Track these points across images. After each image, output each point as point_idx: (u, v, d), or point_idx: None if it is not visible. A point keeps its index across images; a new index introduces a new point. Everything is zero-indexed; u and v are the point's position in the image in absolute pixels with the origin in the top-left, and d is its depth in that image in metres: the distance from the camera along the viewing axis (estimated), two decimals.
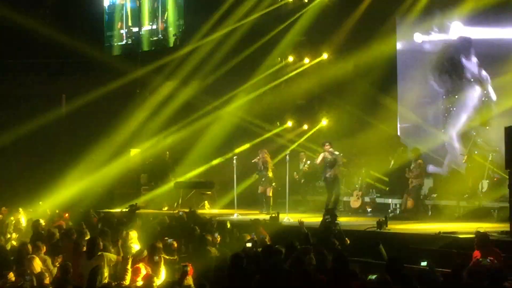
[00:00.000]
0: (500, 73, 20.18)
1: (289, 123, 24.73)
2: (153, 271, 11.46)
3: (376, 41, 22.16)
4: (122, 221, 16.84)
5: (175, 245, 12.79)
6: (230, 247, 13.53)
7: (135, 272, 10.99)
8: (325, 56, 24.06)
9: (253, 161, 22.11)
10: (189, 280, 11.03)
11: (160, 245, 12.59)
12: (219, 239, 14.37)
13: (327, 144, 20.21)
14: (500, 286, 9.14)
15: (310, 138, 23.95)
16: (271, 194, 21.54)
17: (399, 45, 23.13)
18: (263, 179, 21.67)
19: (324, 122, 23.74)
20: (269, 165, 21.69)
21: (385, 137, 21.93)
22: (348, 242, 14.32)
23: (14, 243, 16.24)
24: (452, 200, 19.02)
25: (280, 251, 12.04)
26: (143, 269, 11.13)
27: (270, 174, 21.63)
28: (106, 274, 11.38)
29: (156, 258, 11.89)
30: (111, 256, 12.31)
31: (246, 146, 24.03)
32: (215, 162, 24.57)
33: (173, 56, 26.29)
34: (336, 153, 19.91)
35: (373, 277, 9.80)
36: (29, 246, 13.54)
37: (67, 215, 19.14)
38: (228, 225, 16.21)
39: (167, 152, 22.81)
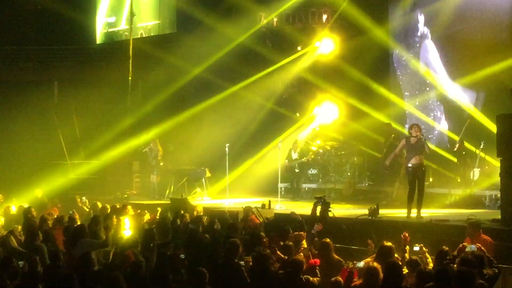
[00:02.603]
0: None
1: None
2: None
3: (368, 27, 22.14)
4: (114, 208, 16.80)
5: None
6: (223, 234, 13.55)
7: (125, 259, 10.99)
8: (317, 44, 24.04)
9: (143, 150, 22.92)
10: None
11: (153, 232, 12.62)
12: (218, 225, 14.44)
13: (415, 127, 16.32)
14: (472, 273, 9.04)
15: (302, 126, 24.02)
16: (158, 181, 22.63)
17: (391, 30, 23.09)
18: (154, 167, 22.53)
19: (316, 110, 23.77)
20: (160, 153, 22.60)
21: (377, 124, 21.91)
22: (345, 227, 14.38)
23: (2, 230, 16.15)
24: (444, 188, 19.08)
25: (272, 238, 12.15)
26: (132, 257, 11.12)
27: (161, 163, 22.58)
28: (95, 260, 11.36)
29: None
30: (101, 242, 12.28)
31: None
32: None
33: (168, 44, 26.25)
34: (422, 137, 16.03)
35: (361, 264, 9.82)
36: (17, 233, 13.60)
37: (59, 205, 19.15)
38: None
39: (157, 140, 22.83)
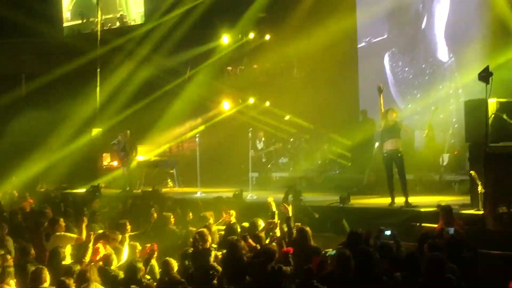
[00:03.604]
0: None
1: (251, 100, 24.73)
2: (115, 251, 11.43)
3: (336, 17, 22.17)
4: (84, 201, 16.74)
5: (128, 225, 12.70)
6: (194, 224, 13.55)
7: (95, 252, 10.95)
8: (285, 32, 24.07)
9: (112, 142, 22.67)
10: (153, 258, 11.07)
11: (124, 224, 12.58)
12: (191, 216, 14.43)
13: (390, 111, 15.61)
14: (459, 256, 9.24)
15: (272, 115, 24.06)
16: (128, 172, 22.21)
17: (359, 22, 23.16)
18: (126, 159, 22.14)
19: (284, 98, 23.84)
20: (134, 145, 22.27)
21: (347, 112, 21.99)
22: (317, 216, 14.41)
23: None
24: (412, 174, 19.18)
25: (245, 228, 12.18)
26: (102, 249, 11.08)
27: (134, 154, 22.23)
28: (67, 254, 11.30)
29: (118, 237, 11.87)
30: (72, 236, 12.24)
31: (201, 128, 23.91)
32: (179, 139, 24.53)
33: (133, 34, 26.14)
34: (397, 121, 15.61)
35: (332, 252, 9.85)
36: None
37: (31, 200, 19.01)
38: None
39: (128, 131, 22.63)
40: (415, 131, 19.79)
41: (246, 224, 12.76)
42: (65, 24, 29.31)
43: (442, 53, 21.34)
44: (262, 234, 11.67)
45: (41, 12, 26.57)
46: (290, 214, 11.81)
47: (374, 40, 22.86)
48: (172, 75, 25.05)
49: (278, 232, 11.72)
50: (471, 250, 9.90)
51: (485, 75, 13.00)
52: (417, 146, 20.05)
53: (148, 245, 11.32)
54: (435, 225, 11.95)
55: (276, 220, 12.09)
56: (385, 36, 22.77)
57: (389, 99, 21.11)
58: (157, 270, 10.90)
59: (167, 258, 10.46)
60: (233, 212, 14.53)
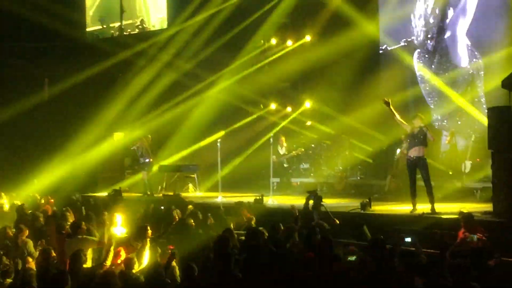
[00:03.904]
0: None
1: (273, 106, 24.74)
2: (137, 254, 11.44)
3: (359, 22, 22.13)
4: (106, 205, 16.79)
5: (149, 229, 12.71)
6: (216, 229, 13.55)
7: (116, 255, 10.98)
8: (307, 38, 24.06)
9: (132, 148, 22.72)
10: (173, 262, 11.07)
11: (146, 229, 12.58)
12: (212, 220, 14.44)
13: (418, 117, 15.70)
14: (483, 264, 9.19)
15: (293, 120, 24.05)
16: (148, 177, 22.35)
17: (382, 27, 23.10)
18: (145, 165, 22.26)
19: (307, 104, 23.81)
20: (149, 150, 22.27)
21: (368, 118, 21.93)
22: (338, 222, 14.37)
23: None
24: (435, 181, 19.07)
25: (263, 232, 12.11)
26: (123, 253, 11.11)
27: (151, 159, 22.31)
28: (88, 258, 11.34)
29: (139, 241, 11.89)
30: (94, 239, 12.28)
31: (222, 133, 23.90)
32: (202, 143, 24.55)
33: (156, 39, 26.23)
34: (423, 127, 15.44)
35: (353, 258, 9.81)
36: (8, 230, 13.57)
37: (52, 200, 19.11)
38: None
39: (149, 136, 22.70)
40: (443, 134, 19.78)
41: (265, 229, 12.74)
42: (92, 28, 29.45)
43: (465, 59, 21.22)
44: (282, 239, 11.64)
45: (64, 16, 26.70)
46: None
47: (396, 46, 22.79)
48: (194, 80, 25.08)
49: (296, 237, 11.71)
50: (495, 258, 9.82)
51: (509, 82, 12.95)
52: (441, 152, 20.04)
53: (170, 248, 11.33)
54: (457, 233, 11.88)
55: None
56: (408, 41, 22.68)
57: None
58: (177, 273, 10.91)
59: (188, 262, 10.46)
60: (253, 217, 14.55)
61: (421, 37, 22.36)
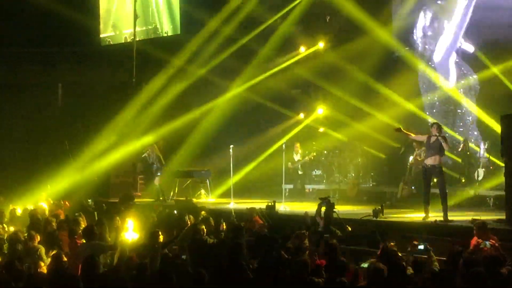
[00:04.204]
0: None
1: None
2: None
3: (372, 28, 22.12)
4: (118, 210, 16.80)
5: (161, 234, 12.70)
6: (228, 235, 13.54)
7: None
8: (321, 45, 24.06)
9: (143, 155, 22.79)
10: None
11: (157, 233, 12.57)
12: (224, 226, 14.42)
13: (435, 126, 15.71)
14: (496, 272, 9.12)
15: (306, 127, 24.07)
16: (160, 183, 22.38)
17: (395, 32, 23.09)
18: (157, 170, 22.33)
19: (320, 111, 23.79)
20: (161, 156, 22.40)
21: (381, 125, 21.89)
22: (350, 229, 14.33)
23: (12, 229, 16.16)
24: (448, 188, 19.00)
25: (276, 239, 12.09)
26: (136, 258, 11.12)
27: (163, 165, 22.43)
28: (101, 263, 11.35)
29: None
30: (106, 245, 12.29)
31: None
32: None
33: (170, 46, 26.25)
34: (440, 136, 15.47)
35: (366, 265, 9.79)
36: (20, 234, 13.60)
37: (67, 203, 19.15)
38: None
39: (161, 141, 22.74)
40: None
41: (277, 236, 12.71)
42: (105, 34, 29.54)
43: (476, 66, 21.20)
44: (293, 245, 11.61)
45: (78, 22, 26.78)
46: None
47: (409, 51, 22.82)
48: (208, 86, 25.10)
49: (306, 242, 11.70)
50: (507, 266, 9.77)
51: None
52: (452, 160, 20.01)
53: None
54: (470, 241, 11.82)
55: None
56: (420, 47, 22.72)
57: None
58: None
59: (199, 269, 10.41)
60: (265, 223, 14.53)
61: (420, 48, 22.51)
